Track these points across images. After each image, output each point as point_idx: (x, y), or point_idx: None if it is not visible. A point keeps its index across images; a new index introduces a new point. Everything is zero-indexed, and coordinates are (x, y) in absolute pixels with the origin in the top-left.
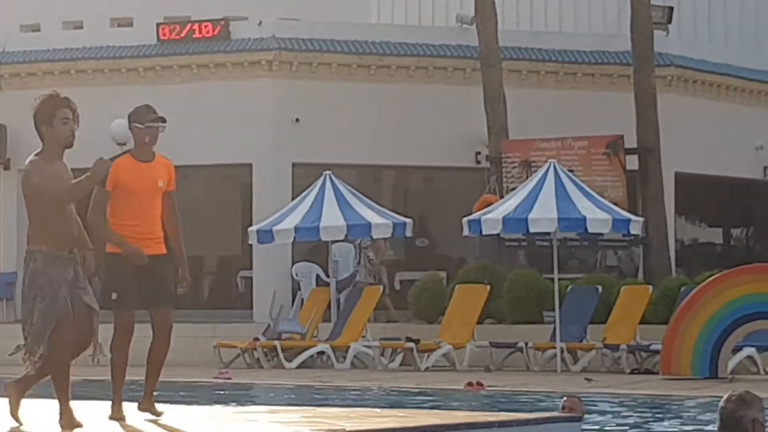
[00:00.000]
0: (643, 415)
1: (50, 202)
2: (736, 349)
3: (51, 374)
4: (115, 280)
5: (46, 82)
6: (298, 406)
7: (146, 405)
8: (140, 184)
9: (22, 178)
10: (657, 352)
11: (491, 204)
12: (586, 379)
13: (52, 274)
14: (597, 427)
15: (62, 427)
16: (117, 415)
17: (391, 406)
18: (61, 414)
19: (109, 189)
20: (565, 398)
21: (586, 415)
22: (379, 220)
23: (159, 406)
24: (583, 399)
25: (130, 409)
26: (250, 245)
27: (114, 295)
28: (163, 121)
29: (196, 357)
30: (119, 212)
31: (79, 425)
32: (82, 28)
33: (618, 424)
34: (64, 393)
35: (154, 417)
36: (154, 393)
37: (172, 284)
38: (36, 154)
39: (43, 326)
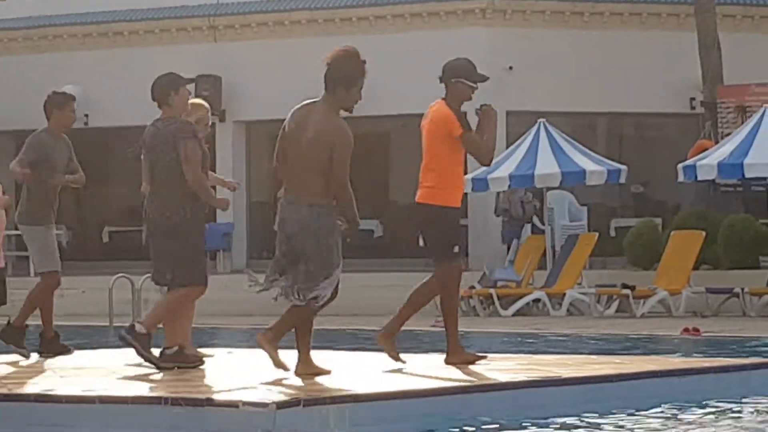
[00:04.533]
0: None
1: None
2: None
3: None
4: (456, 233)
5: (260, 34)
6: (513, 353)
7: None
8: None
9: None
10: None
11: (706, 149)
12: None
13: None
14: None
15: None
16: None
17: (608, 353)
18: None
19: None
20: None
21: None
22: (593, 167)
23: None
24: None
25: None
26: (465, 193)
27: (456, 248)
28: (487, 79)
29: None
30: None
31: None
32: None
33: None
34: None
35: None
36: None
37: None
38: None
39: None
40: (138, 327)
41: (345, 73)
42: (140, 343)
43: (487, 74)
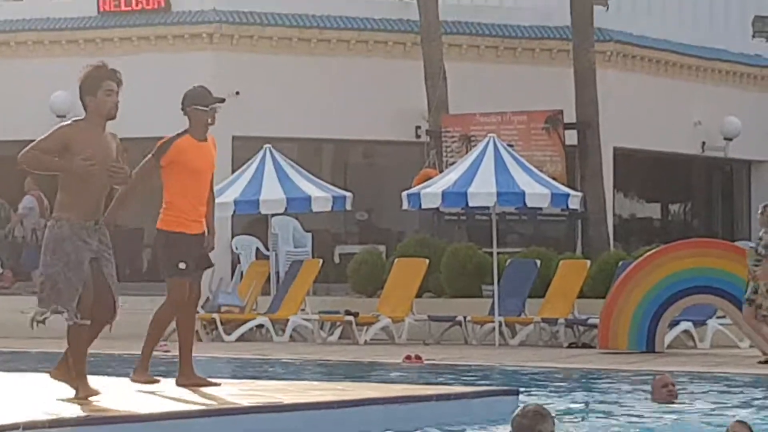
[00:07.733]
0: (579, 388)
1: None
2: (673, 324)
3: (71, 344)
4: (179, 252)
5: None
6: (236, 378)
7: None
8: (201, 163)
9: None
10: (594, 326)
11: (431, 178)
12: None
13: (77, 242)
14: (533, 400)
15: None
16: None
17: (330, 380)
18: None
19: (163, 164)
20: (657, 376)
21: (522, 390)
22: (318, 193)
23: (105, 379)
24: (519, 373)
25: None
26: None
27: (182, 265)
28: (222, 101)
29: (135, 329)
30: (180, 191)
31: (95, 392)
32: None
33: (555, 399)
34: (80, 365)
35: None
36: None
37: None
38: (76, 121)
39: (67, 291)
40: None
41: (87, 82)
42: None
43: None
